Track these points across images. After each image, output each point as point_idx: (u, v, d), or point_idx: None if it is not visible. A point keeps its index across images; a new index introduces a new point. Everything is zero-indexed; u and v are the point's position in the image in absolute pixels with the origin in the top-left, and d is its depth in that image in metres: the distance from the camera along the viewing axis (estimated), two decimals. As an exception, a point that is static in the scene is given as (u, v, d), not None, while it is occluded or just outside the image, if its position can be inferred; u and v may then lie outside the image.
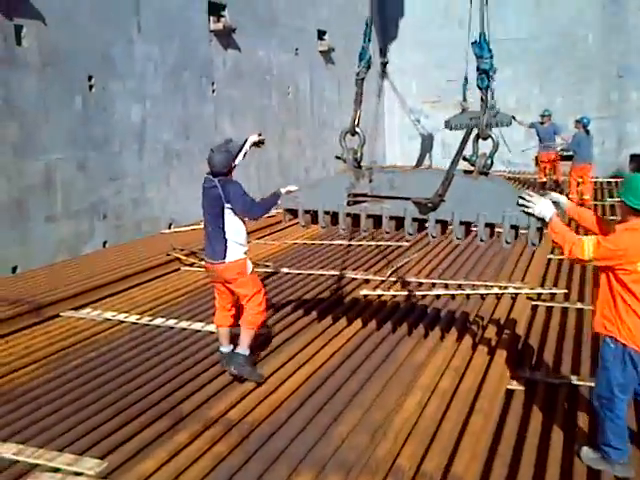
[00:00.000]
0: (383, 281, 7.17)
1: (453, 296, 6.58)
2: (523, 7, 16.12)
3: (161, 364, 5.03)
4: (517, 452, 3.68)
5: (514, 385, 4.55)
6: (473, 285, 6.83)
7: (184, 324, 5.91)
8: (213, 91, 11.74)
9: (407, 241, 9.26)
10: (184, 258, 8.33)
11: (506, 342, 5.14)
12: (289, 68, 14.33)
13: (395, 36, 18.74)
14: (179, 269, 8.06)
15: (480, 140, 4.27)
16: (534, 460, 3.58)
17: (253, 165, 12.94)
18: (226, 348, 4.79)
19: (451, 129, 14.34)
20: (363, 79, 4.73)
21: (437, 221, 4.16)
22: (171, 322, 5.97)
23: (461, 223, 4.10)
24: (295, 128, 14.54)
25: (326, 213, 4.53)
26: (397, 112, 19.26)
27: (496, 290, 6.60)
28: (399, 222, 4.32)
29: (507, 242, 3.95)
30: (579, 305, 6.22)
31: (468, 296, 6.54)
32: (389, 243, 9.01)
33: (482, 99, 4.18)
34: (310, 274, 7.59)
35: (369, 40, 4.74)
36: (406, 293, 6.64)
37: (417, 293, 6.63)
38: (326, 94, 16.09)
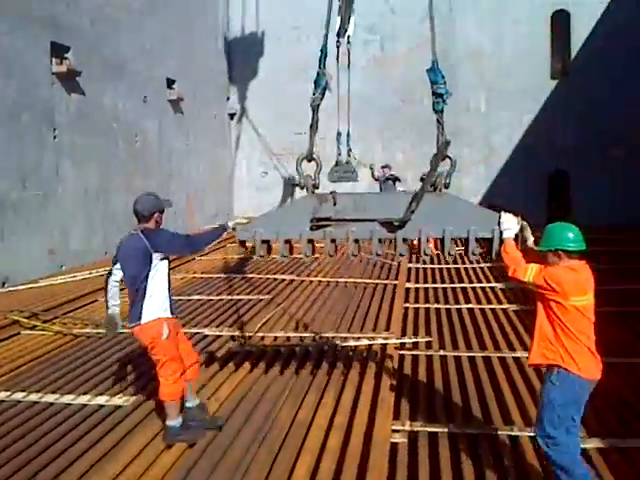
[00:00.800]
0: (250, 337, 6.96)
1: (323, 349, 6.54)
2: (367, 65, 17.08)
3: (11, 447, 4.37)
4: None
5: (397, 438, 4.54)
6: (343, 338, 6.86)
7: (34, 397, 5.23)
8: (55, 137, 10.95)
9: (267, 294, 9.21)
10: (24, 321, 7.49)
11: (383, 394, 5.16)
12: (137, 116, 13.86)
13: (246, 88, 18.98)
14: (19, 333, 7.23)
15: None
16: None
17: (98, 215, 12.18)
18: (191, 402, 4.64)
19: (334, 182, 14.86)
20: (318, 105, 4.72)
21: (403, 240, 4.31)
22: (18, 395, 5.25)
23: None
24: (142, 178, 13.98)
25: (286, 242, 4.47)
26: (245, 163, 19.40)
27: (365, 342, 6.67)
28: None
29: (473, 254, 4.21)
30: (442, 352, 6.46)
31: (336, 348, 6.54)
32: (249, 297, 8.89)
33: (438, 121, 4.36)
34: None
35: (324, 66, 4.76)
36: (277, 347, 6.50)
37: (286, 346, 6.52)
38: (174, 144, 15.76)
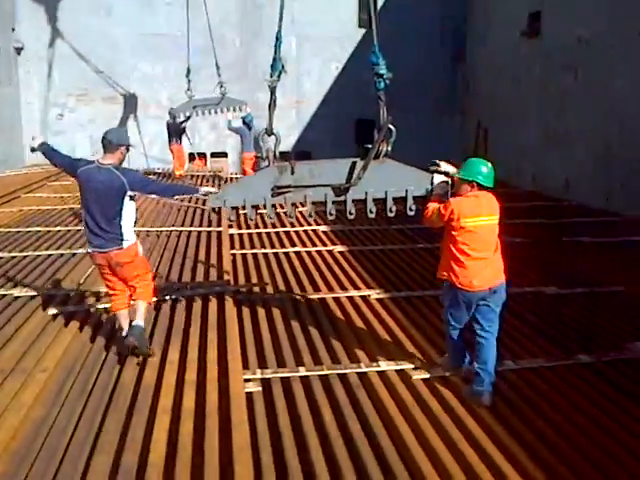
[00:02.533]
0: (69, 295, 6.33)
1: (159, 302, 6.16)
2: (176, 2, 16.02)
3: None
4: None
5: (251, 387, 4.45)
6: (176, 289, 6.53)
7: None
8: None
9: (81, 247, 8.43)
10: None
11: (230, 344, 5.02)
12: None
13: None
14: None
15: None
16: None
17: None
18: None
19: (174, 118, 13.91)
20: (275, 87, 5.20)
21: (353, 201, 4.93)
22: None
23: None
24: None
25: (252, 206, 5.03)
26: (36, 104, 17.39)
27: (201, 290, 6.42)
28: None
29: (411, 209, 4.88)
30: (278, 296, 6.44)
31: (175, 300, 6.22)
32: (61, 252, 8.07)
33: (380, 98, 4.90)
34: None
35: (279, 51, 5.21)
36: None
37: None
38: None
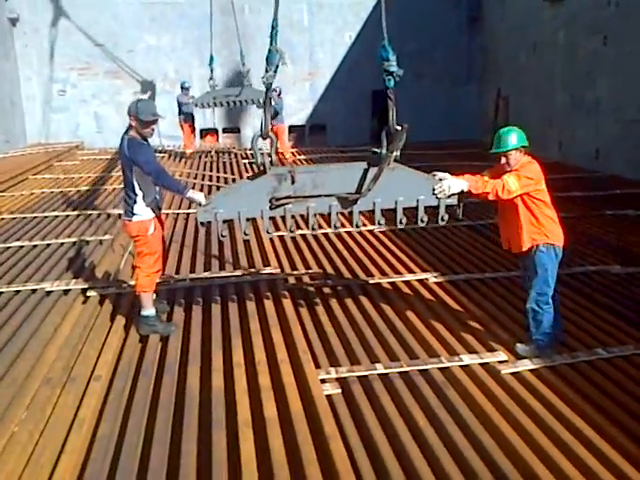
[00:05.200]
0: (108, 287, 5.90)
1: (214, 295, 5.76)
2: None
3: None
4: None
5: (329, 389, 4.06)
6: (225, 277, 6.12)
7: None
8: None
9: (105, 234, 8.00)
10: None
11: (298, 342, 4.64)
12: None
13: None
14: None
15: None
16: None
17: None
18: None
19: (202, 107, 13.35)
20: (271, 84, 4.48)
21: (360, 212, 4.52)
22: None
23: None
24: None
25: (248, 219, 4.47)
26: (36, 80, 16.72)
27: (249, 278, 6.02)
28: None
29: (422, 221, 4.47)
30: (330, 282, 6.05)
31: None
32: (85, 238, 7.63)
33: (389, 97, 4.36)
34: None
35: (276, 42, 4.47)
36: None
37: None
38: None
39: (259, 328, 4.93)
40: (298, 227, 8.01)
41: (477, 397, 3.96)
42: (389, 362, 4.43)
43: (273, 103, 13.69)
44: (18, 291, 5.83)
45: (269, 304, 5.41)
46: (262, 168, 4.40)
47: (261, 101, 13.07)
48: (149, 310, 4.87)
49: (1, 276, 6.31)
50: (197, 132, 15.25)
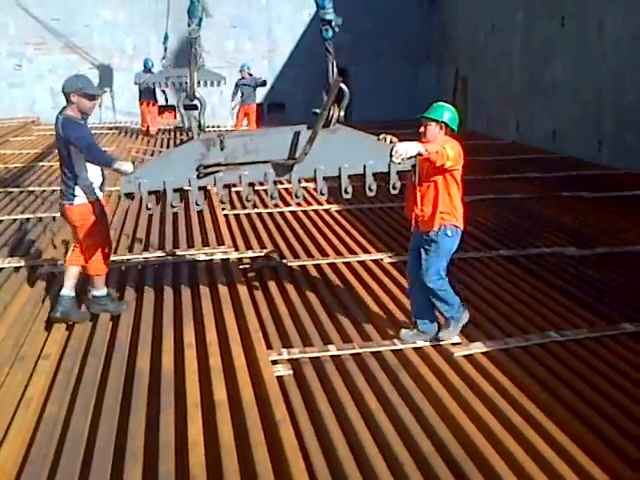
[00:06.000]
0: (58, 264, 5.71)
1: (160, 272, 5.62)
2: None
3: None
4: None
5: (280, 370, 4.00)
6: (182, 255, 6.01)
7: None
8: None
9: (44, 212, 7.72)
10: None
11: (250, 321, 4.56)
12: None
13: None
14: None
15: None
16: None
17: None
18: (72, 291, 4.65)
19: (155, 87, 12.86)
20: (196, 38, 4.26)
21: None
22: None
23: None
24: None
25: (175, 190, 4.01)
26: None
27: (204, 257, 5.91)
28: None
29: (370, 189, 4.01)
30: (287, 262, 5.97)
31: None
32: (19, 217, 7.35)
33: (327, 50, 4.01)
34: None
35: None
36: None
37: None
38: None
39: (211, 308, 4.84)
40: (255, 206, 7.99)
41: (430, 380, 3.93)
42: (342, 344, 4.36)
43: (239, 79, 13.57)
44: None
45: (222, 284, 5.31)
46: (190, 134, 4.07)
47: (217, 82, 12.91)
48: (101, 290, 4.75)
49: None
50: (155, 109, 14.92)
